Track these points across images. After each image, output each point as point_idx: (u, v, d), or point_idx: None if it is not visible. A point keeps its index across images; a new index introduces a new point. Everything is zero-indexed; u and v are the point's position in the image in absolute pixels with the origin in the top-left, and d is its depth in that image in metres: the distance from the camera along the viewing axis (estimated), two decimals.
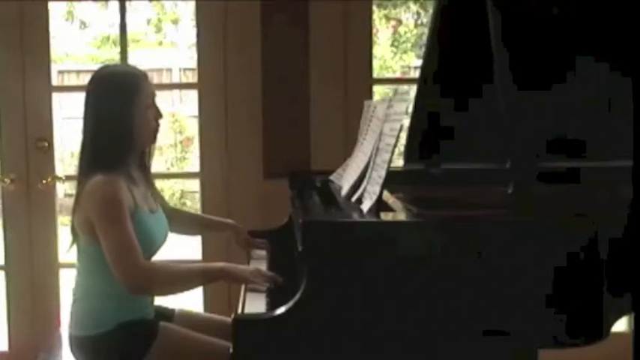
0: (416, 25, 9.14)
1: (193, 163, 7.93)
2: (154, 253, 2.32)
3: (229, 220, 2.76)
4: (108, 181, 2.17)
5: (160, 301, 2.44)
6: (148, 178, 2.40)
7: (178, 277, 2.21)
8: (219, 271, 2.21)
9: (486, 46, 1.99)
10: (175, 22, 9.56)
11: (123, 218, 2.14)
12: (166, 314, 2.41)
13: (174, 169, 8.74)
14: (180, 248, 3.26)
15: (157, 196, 2.46)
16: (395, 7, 8.84)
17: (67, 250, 2.34)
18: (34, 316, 3.48)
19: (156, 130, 2.35)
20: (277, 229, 2.71)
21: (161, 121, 2.36)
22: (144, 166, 2.39)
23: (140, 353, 2.19)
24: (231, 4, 3.40)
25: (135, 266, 2.11)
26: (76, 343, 2.26)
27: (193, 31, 3.60)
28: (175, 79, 9.13)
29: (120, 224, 2.13)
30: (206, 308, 3.42)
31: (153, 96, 2.33)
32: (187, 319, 2.43)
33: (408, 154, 2.74)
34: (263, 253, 2.62)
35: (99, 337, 2.21)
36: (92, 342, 2.22)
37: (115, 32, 6.18)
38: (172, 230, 2.52)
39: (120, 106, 2.24)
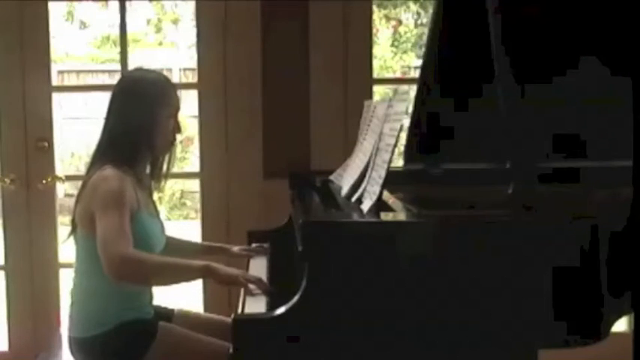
0: (416, 25, 9.13)
1: (193, 163, 7.93)
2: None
3: (218, 244, 2.75)
4: (115, 175, 2.19)
5: (159, 301, 2.44)
6: (151, 185, 2.41)
7: (164, 270, 2.18)
8: (204, 267, 2.16)
9: (486, 46, 2.00)
10: (175, 22, 9.56)
11: (122, 209, 2.15)
12: (166, 314, 2.41)
13: (174, 169, 8.71)
14: None
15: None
16: (395, 7, 8.83)
17: (64, 240, 2.34)
18: (34, 316, 3.48)
19: (172, 142, 2.37)
20: (277, 229, 2.71)
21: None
22: (154, 174, 2.40)
23: (139, 353, 2.19)
24: (231, 4, 3.40)
25: (122, 253, 2.09)
26: (76, 345, 2.26)
27: (193, 31, 3.60)
28: (175, 79, 9.12)
29: (117, 213, 2.13)
30: (206, 308, 3.42)
31: (177, 109, 2.35)
32: (187, 319, 2.43)
33: (408, 154, 2.74)
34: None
35: (98, 338, 2.21)
36: (92, 342, 2.22)
37: (115, 32, 6.18)
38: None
39: (144, 109, 2.28)
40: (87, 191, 2.22)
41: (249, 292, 2.11)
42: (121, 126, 2.28)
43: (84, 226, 2.22)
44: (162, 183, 2.46)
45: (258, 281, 2.14)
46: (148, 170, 2.41)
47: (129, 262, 2.10)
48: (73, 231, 2.29)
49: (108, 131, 2.31)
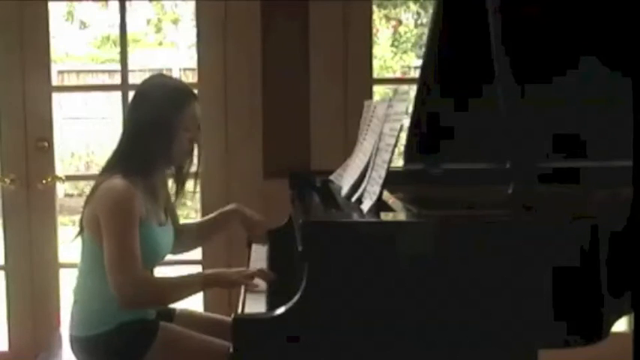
0: (416, 25, 9.13)
1: (193, 163, 7.92)
2: (156, 263, 2.35)
3: (228, 207, 2.64)
4: (125, 186, 2.18)
5: None
6: (169, 194, 2.42)
7: (169, 291, 2.24)
8: (206, 279, 2.26)
9: (486, 46, 2.00)
10: (175, 22, 9.56)
11: (130, 225, 2.15)
12: (168, 314, 2.42)
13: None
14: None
15: (171, 212, 2.47)
16: (395, 7, 8.83)
17: (71, 240, 2.35)
18: (34, 316, 3.48)
19: (188, 153, 2.35)
20: (277, 229, 2.71)
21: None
22: (178, 182, 2.40)
23: (140, 353, 2.20)
24: (231, 4, 3.40)
25: (130, 280, 2.13)
26: (77, 344, 2.27)
27: (193, 31, 3.60)
28: None
29: (125, 231, 2.14)
30: (206, 308, 3.41)
31: (195, 120, 2.31)
32: (189, 318, 2.44)
33: (408, 154, 2.74)
34: (263, 253, 2.62)
35: (99, 337, 2.22)
36: (93, 342, 2.23)
37: (115, 32, 6.18)
38: (185, 247, 2.55)
39: (158, 120, 2.24)
40: (95, 196, 2.22)
41: (251, 289, 2.15)
42: (138, 131, 2.27)
43: (90, 229, 2.23)
44: (192, 190, 2.46)
45: (260, 273, 2.19)
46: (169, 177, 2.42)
47: (136, 289, 2.14)
48: (81, 232, 2.29)
49: (126, 135, 2.30)
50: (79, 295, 2.30)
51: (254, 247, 2.70)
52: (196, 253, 3.57)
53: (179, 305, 2.50)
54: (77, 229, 2.31)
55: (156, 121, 2.25)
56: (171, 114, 2.25)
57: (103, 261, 2.16)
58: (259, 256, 2.60)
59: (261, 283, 2.19)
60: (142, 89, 2.35)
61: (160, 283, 2.28)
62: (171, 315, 2.42)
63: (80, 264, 2.31)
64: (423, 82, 2.67)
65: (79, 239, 2.32)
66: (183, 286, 2.26)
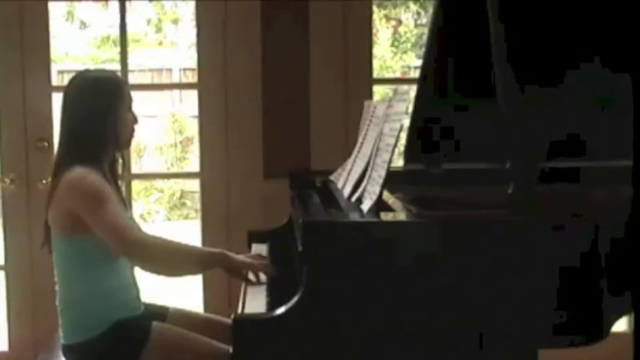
0: (416, 25, 9.12)
1: (193, 163, 7.93)
2: None
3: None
4: (87, 172, 2.20)
5: (154, 299, 2.43)
6: (117, 185, 2.41)
7: (176, 251, 2.24)
8: (218, 255, 2.24)
9: (487, 46, 2.00)
10: (175, 22, 9.54)
11: (110, 199, 2.17)
12: (160, 313, 2.38)
13: (174, 169, 8.74)
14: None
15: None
16: (395, 7, 8.83)
17: (40, 246, 2.35)
18: (34, 316, 3.48)
19: (132, 132, 2.38)
20: (277, 229, 2.71)
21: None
22: (114, 172, 2.40)
23: (134, 354, 2.17)
24: (231, 4, 3.40)
25: (134, 235, 2.15)
26: (70, 353, 2.25)
27: (193, 31, 3.60)
28: (175, 79, 9.12)
29: (108, 207, 2.15)
30: (206, 308, 3.41)
31: (131, 102, 2.37)
32: (182, 318, 2.40)
33: (408, 154, 2.74)
34: (264, 253, 2.62)
35: (90, 343, 2.20)
36: (84, 348, 2.21)
37: (115, 32, 6.16)
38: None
39: (103, 106, 2.28)
40: (61, 193, 2.21)
41: (251, 284, 2.18)
42: (80, 122, 2.27)
43: (61, 229, 2.23)
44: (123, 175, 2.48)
45: (265, 269, 2.23)
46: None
47: (143, 240, 2.17)
48: (48, 237, 2.29)
49: (67, 130, 2.29)
50: (64, 304, 2.28)
51: (254, 247, 2.70)
52: None
53: (172, 304, 2.49)
54: (45, 233, 2.30)
55: (103, 111, 2.27)
56: (115, 101, 2.30)
57: (76, 256, 2.19)
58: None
59: (261, 277, 2.22)
60: (79, 85, 2.33)
61: (162, 239, 2.25)
62: (163, 314, 2.39)
63: (56, 271, 2.30)
64: (423, 82, 2.67)
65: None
66: (187, 252, 2.27)
